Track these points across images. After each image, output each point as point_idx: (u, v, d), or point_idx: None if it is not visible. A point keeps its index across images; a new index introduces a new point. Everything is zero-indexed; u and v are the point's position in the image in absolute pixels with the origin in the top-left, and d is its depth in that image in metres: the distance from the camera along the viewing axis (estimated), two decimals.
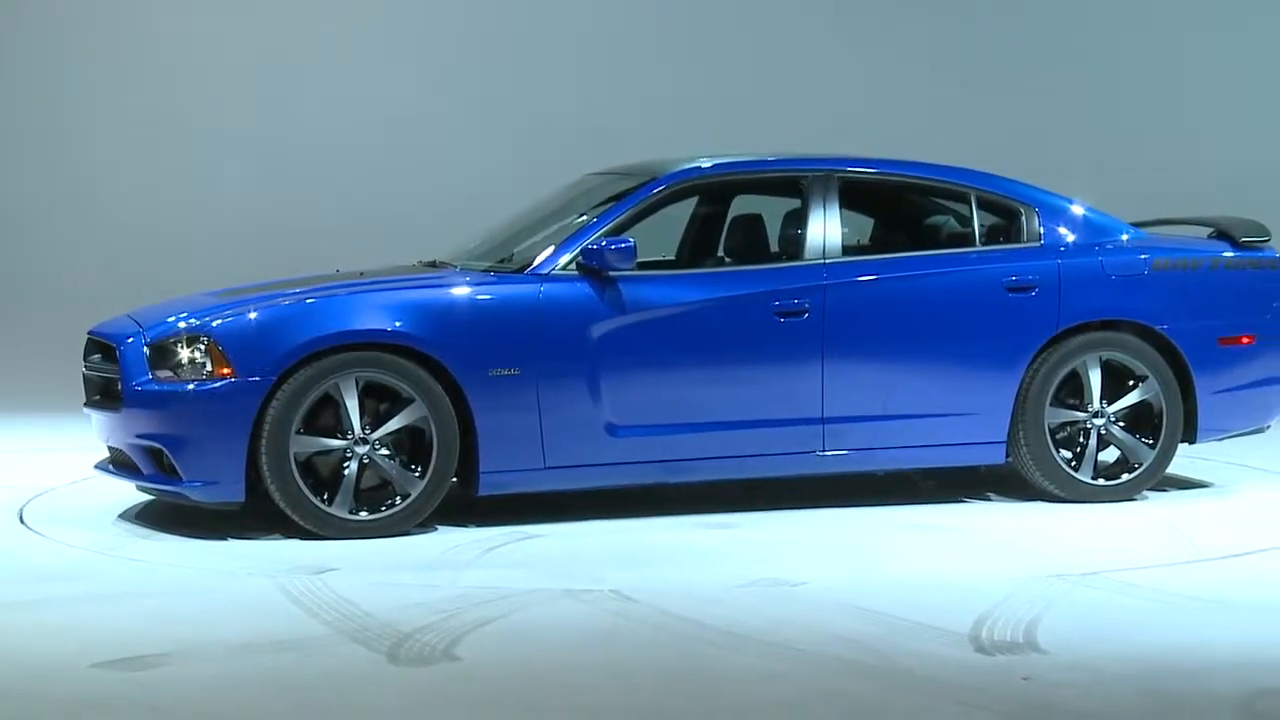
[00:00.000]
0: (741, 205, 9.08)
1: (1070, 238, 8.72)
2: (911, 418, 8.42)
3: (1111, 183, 13.31)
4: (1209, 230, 9.07)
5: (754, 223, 8.82)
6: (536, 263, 8.21)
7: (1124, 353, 8.63)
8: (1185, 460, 9.17)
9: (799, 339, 8.26)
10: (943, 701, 5.56)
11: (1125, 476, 8.66)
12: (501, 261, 8.42)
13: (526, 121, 14.90)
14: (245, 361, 7.77)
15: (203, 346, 7.81)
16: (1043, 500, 8.63)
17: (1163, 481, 8.88)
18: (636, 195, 8.42)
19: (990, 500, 8.78)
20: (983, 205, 8.76)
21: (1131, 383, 8.67)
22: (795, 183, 8.62)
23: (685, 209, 9.21)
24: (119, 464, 8.23)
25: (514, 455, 8.01)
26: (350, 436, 7.84)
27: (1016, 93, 14.90)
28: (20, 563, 7.62)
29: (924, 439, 8.44)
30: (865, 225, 9.01)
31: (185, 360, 7.84)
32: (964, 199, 8.78)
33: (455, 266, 8.55)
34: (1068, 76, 14.97)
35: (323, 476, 7.88)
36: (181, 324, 7.93)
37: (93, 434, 8.35)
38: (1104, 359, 8.61)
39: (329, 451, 7.86)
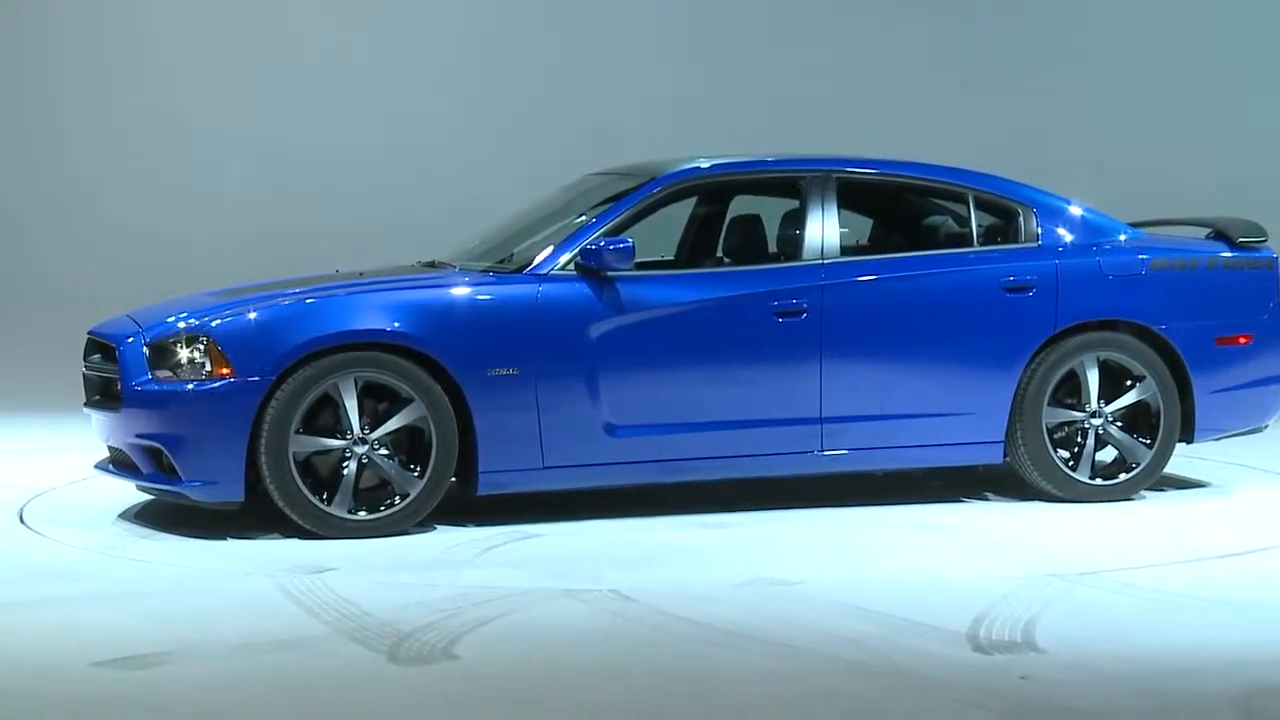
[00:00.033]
0: (740, 206, 9.09)
1: (1068, 238, 8.74)
2: (909, 417, 8.44)
3: (1111, 183, 13.33)
4: (1206, 231, 9.09)
5: (752, 223, 8.83)
6: (535, 263, 8.22)
7: (1121, 353, 8.64)
8: (1183, 460, 9.19)
9: (797, 339, 8.27)
10: (941, 700, 5.57)
11: (1123, 476, 8.67)
12: (500, 262, 8.44)
13: (526, 121, 14.91)
14: (244, 361, 7.78)
15: (202, 346, 7.82)
16: (1040, 500, 8.64)
17: (1160, 481, 8.89)
18: (635, 196, 8.43)
19: (988, 500, 8.79)
20: (980, 206, 8.78)
21: (1129, 383, 8.68)
22: (793, 183, 8.64)
23: (684, 209, 9.22)
24: (119, 464, 8.24)
25: (513, 455, 8.03)
26: (349, 436, 7.86)
27: (1016, 93, 14.91)
28: (20, 562, 7.63)
29: (922, 439, 8.46)
30: (863, 226, 9.02)
31: (184, 360, 7.85)
32: (962, 199, 8.79)
33: (454, 267, 8.56)
34: (1068, 76, 14.98)
35: (322, 476, 7.90)
36: (181, 324, 7.95)
37: (93, 434, 8.37)
38: (1101, 359, 8.62)
39: (328, 451, 7.87)
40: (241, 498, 7.83)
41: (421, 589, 6.97)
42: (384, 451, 7.90)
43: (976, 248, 8.69)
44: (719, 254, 8.98)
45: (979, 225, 8.75)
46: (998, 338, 8.51)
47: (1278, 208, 12.41)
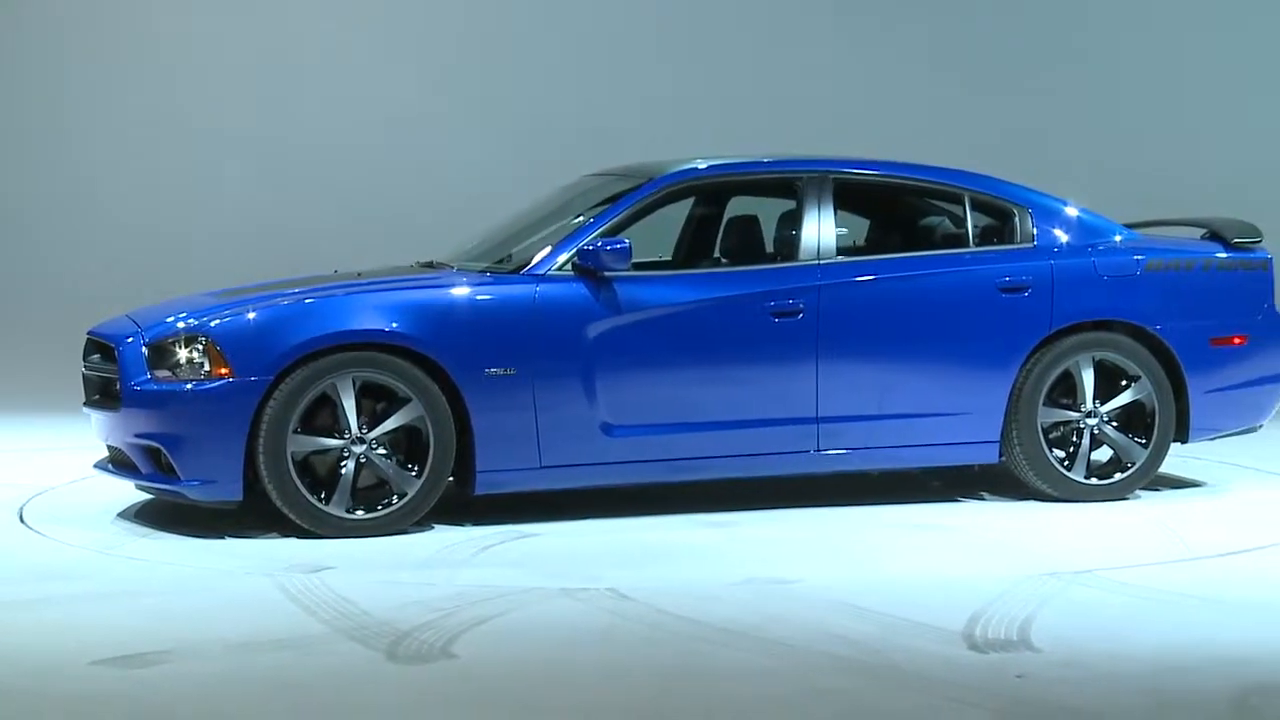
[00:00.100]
0: (737, 206, 9.11)
1: (1063, 239, 8.75)
2: (905, 417, 8.45)
3: (1111, 183, 13.36)
4: (1201, 231, 9.10)
5: (750, 224, 8.85)
6: (533, 263, 8.24)
7: (1117, 353, 8.66)
8: (1177, 459, 9.21)
9: (794, 339, 8.29)
10: (936, 699, 5.58)
11: (1118, 476, 8.69)
12: (498, 262, 8.45)
13: (526, 121, 14.91)
14: (243, 361, 7.80)
15: (201, 346, 7.84)
16: (1036, 499, 8.66)
17: (1155, 480, 8.91)
18: (633, 196, 8.45)
19: (984, 499, 8.81)
20: (976, 206, 8.80)
21: (1124, 383, 8.70)
22: (790, 184, 8.66)
23: (682, 210, 9.24)
24: (118, 463, 8.26)
25: (510, 454, 8.05)
26: (347, 436, 7.88)
27: (1016, 93, 14.90)
28: (20, 561, 7.64)
29: (918, 438, 8.47)
30: (860, 226, 9.04)
31: (183, 360, 7.87)
32: (958, 200, 8.81)
33: (452, 267, 8.58)
34: (1068, 76, 14.97)
35: (320, 475, 7.92)
36: (180, 324, 7.97)
37: (92, 433, 8.38)
38: (1097, 359, 8.64)
39: (326, 451, 7.89)
40: (240, 497, 7.85)
41: (419, 588, 6.99)
42: (382, 451, 7.92)
43: (972, 248, 8.71)
44: (716, 254, 9.00)
45: (975, 226, 8.76)
46: (993, 338, 8.52)
47: (1277, 208, 12.43)
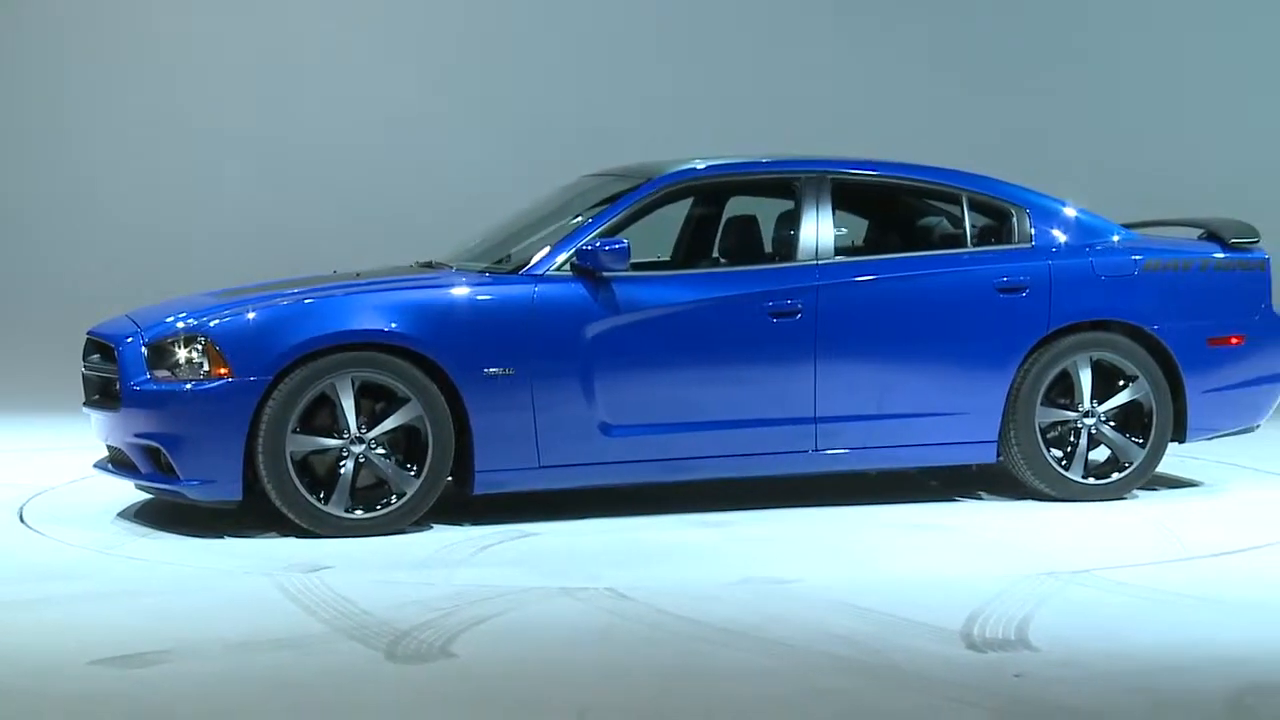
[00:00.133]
0: (736, 206, 9.12)
1: (1061, 239, 8.76)
2: (903, 417, 8.46)
3: (1111, 183, 13.37)
4: (1199, 231, 9.11)
5: (748, 224, 8.86)
6: (531, 263, 8.25)
7: (1114, 353, 8.67)
8: (1175, 459, 9.22)
9: (792, 339, 8.30)
10: (935, 698, 5.59)
11: (1115, 475, 8.69)
12: (497, 262, 8.46)
13: (526, 121, 14.92)
14: (242, 361, 7.81)
15: (200, 346, 7.85)
16: (1034, 499, 8.67)
17: (1153, 480, 8.92)
18: (631, 196, 8.46)
19: (982, 499, 8.81)
20: (974, 207, 8.81)
21: (1122, 382, 8.71)
22: (789, 184, 8.67)
23: (680, 210, 9.25)
24: (118, 463, 8.27)
25: (509, 454, 8.06)
26: (346, 436, 7.89)
27: (1016, 93, 14.91)
28: (20, 561, 7.65)
29: (916, 438, 8.48)
30: (858, 226, 9.05)
31: (183, 360, 7.88)
32: (956, 200, 8.82)
33: (451, 267, 8.59)
34: (1068, 76, 14.98)
35: (319, 475, 7.93)
36: (179, 324, 7.98)
37: (92, 433, 8.39)
38: (1094, 359, 8.65)
39: (325, 450, 7.90)
40: (239, 497, 7.86)
41: (418, 587, 7.00)
42: (381, 451, 7.93)
43: (970, 248, 8.71)
44: (715, 254, 9.02)
45: (973, 226, 8.77)
46: (991, 338, 8.53)
47: (1277, 208, 12.45)
